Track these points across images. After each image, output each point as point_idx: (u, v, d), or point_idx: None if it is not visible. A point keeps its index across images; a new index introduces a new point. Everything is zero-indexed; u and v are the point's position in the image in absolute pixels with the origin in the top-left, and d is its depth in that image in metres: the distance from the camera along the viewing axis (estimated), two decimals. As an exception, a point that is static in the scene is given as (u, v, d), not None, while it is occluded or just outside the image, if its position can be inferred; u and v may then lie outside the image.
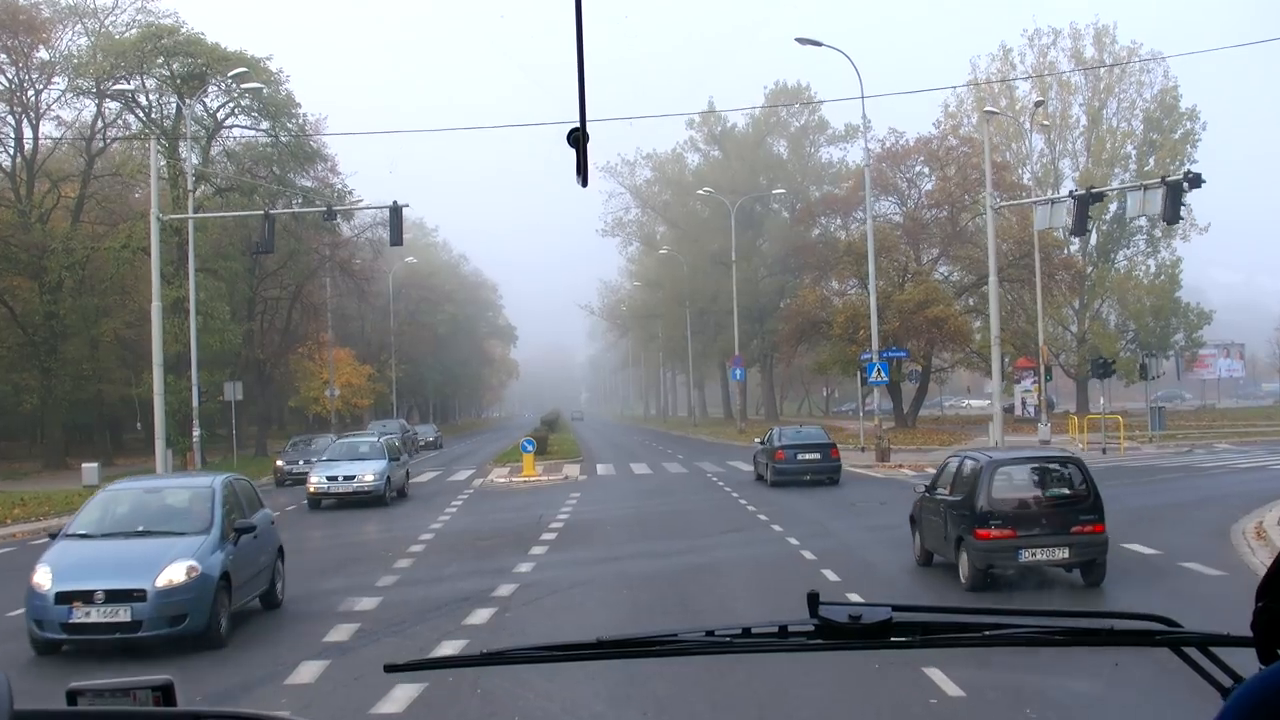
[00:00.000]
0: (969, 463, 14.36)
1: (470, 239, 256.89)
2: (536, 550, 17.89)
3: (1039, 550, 13.05)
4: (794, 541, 18.08)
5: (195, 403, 38.08)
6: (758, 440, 34.44)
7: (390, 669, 2.34)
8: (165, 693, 2.06)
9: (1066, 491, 13.56)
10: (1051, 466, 14.35)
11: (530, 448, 35.55)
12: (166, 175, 43.03)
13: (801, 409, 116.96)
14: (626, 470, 38.33)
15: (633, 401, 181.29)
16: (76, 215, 47.90)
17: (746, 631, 2.16)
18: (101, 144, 48.51)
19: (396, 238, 34.91)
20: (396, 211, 34.38)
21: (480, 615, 12.36)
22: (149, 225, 41.97)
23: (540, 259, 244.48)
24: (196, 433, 38.02)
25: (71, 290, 49.17)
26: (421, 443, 60.35)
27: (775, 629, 2.13)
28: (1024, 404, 68.37)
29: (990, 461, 13.93)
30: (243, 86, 42.39)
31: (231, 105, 46.73)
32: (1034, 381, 69.88)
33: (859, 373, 51.45)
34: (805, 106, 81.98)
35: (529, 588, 14.45)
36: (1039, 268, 50.02)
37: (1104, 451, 40.04)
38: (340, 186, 49.48)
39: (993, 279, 37.30)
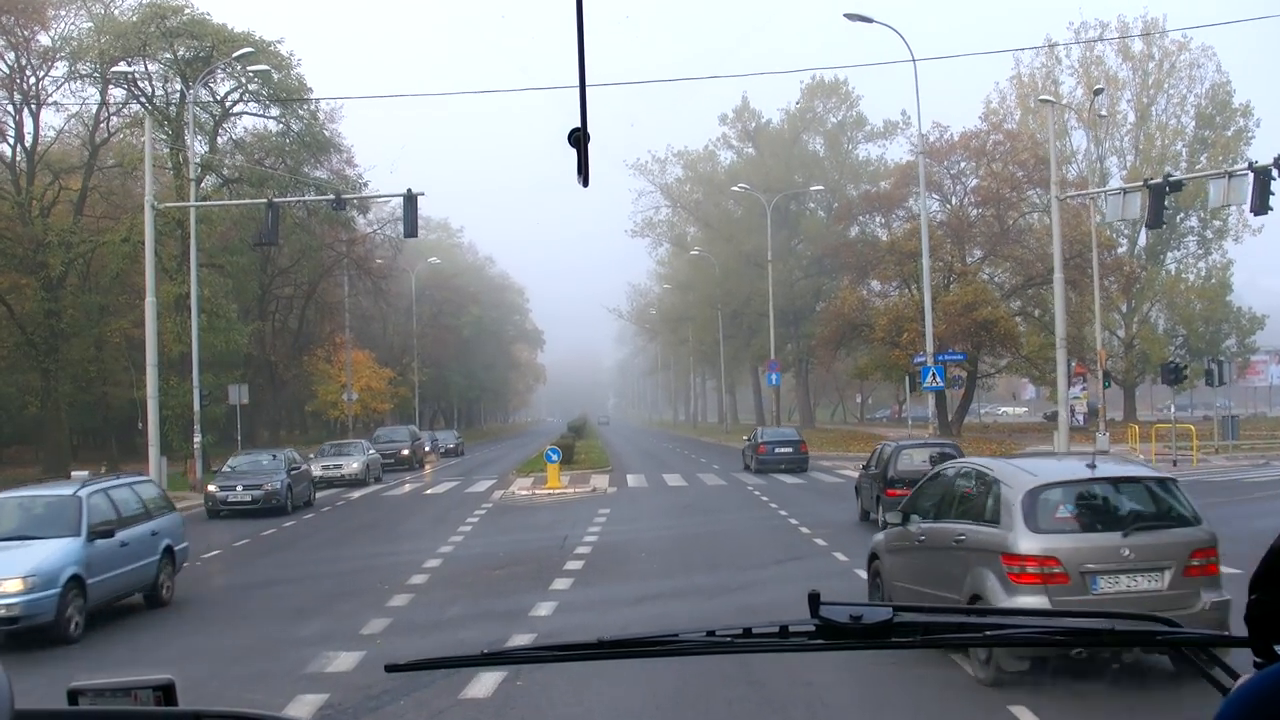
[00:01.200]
0: (886, 447, 22.73)
1: (495, 243, 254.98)
2: (559, 585, 15.06)
3: None
4: (862, 574, 15.15)
5: (197, 406, 35.49)
6: (745, 438, 45.46)
7: (391, 669, 2.33)
8: (166, 692, 2.06)
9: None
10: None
11: (555, 458, 32.69)
12: (169, 164, 40.58)
13: (835, 415, 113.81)
14: (659, 481, 35.48)
15: (661, 407, 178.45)
16: (79, 208, 45.44)
17: (747, 631, 2.13)
18: (106, 134, 46.08)
19: (411, 228, 32.29)
20: (411, 200, 31.72)
21: (484, 683, 9.50)
22: (160, 217, 39.59)
23: (567, 262, 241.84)
24: (198, 438, 35.47)
25: (75, 288, 46.83)
26: (441, 450, 57.24)
27: (776, 629, 2.11)
28: (1073, 411, 65.10)
29: (896, 445, 22.38)
30: (250, 69, 39.76)
31: (240, 91, 44.06)
32: (1083, 388, 66.91)
33: (905, 378, 48.59)
34: (842, 102, 79.08)
35: (549, 639, 11.64)
36: (1096, 266, 47.00)
37: (1174, 464, 36.91)
38: (357, 179, 46.82)
39: (1058, 275, 34.39)
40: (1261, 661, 1.58)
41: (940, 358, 36.58)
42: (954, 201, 61.94)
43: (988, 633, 2.19)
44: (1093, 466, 10.29)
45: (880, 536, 12.88)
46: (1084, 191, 43.62)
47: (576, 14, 3.15)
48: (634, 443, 79.03)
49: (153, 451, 31.62)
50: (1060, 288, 34.18)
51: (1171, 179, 31.48)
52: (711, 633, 2.15)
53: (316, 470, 34.68)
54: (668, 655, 2.18)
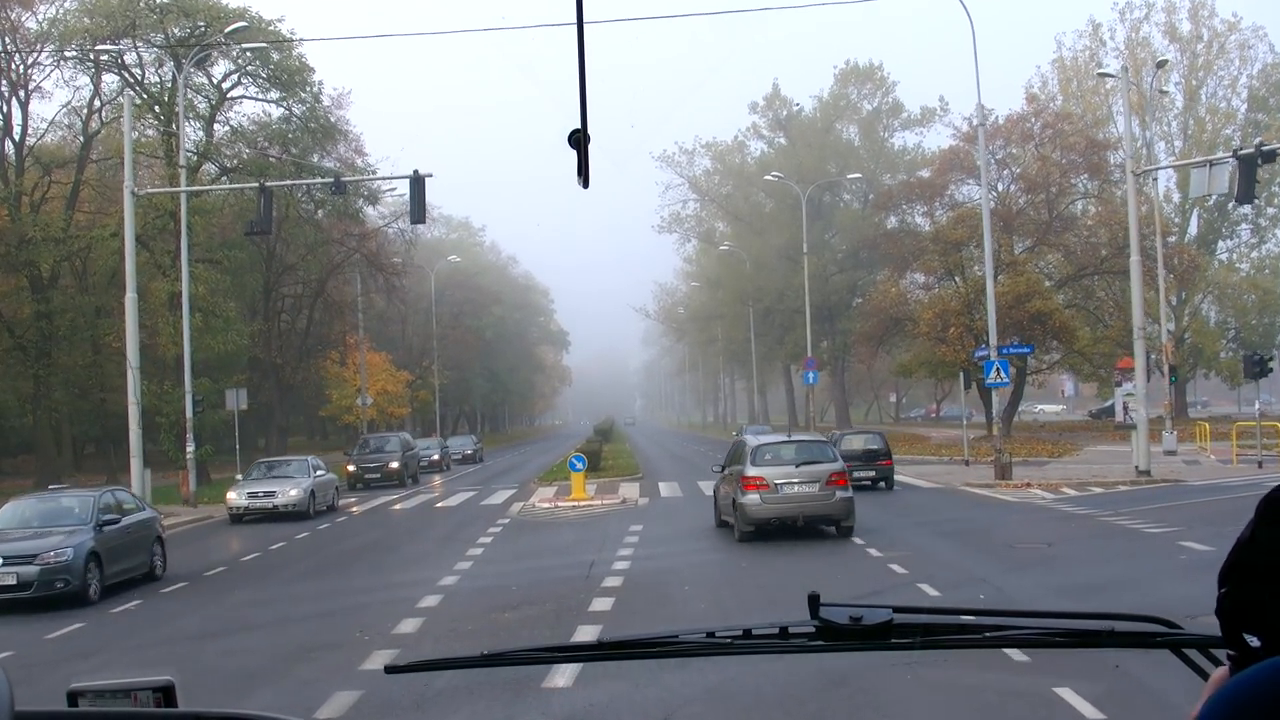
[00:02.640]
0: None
1: (516, 240, 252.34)
2: (585, 632, 11.89)
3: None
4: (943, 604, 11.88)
5: (189, 412, 32.52)
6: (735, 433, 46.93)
7: (391, 670, 2.33)
8: (166, 693, 2.07)
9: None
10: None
11: (579, 466, 29.38)
12: (161, 153, 37.67)
13: (869, 415, 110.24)
14: (694, 491, 32.17)
15: (689, 408, 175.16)
16: (71, 203, 42.61)
17: (747, 633, 2.14)
18: (99, 124, 43.21)
19: (419, 213, 29.33)
20: (418, 181, 28.73)
21: None
22: (142, 209, 36.71)
23: (592, 262, 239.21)
24: (191, 448, 32.49)
25: (70, 289, 44.10)
26: (456, 456, 53.89)
27: (776, 630, 2.11)
28: (1125, 409, 61.42)
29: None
30: (246, 46, 36.70)
31: (237, 74, 40.97)
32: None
33: (961, 374, 45.26)
34: (877, 88, 75.62)
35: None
36: (1160, 251, 43.64)
37: (1260, 465, 33.43)
38: (366, 169, 43.70)
39: (1135, 258, 30.96)
40: (1234, 654, 1.58)
41: (1004, 350, 33.11)
42: (1000, 188, 58.52)
43: (988, 634, 2.15)
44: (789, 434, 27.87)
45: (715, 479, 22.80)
46: (1165, 164, 40.01)
47: (576, 14, 3.16)
48: (663, 446, 75.74)
49: (135, 463, 28.67)
50: (1137, 271, 30.77)
51: (1265, 148, 28.06)
52: (711, 634, 2.13)
53: (240, 499, 28.48)
54: (668, 656, 2.20)
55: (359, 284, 53.03)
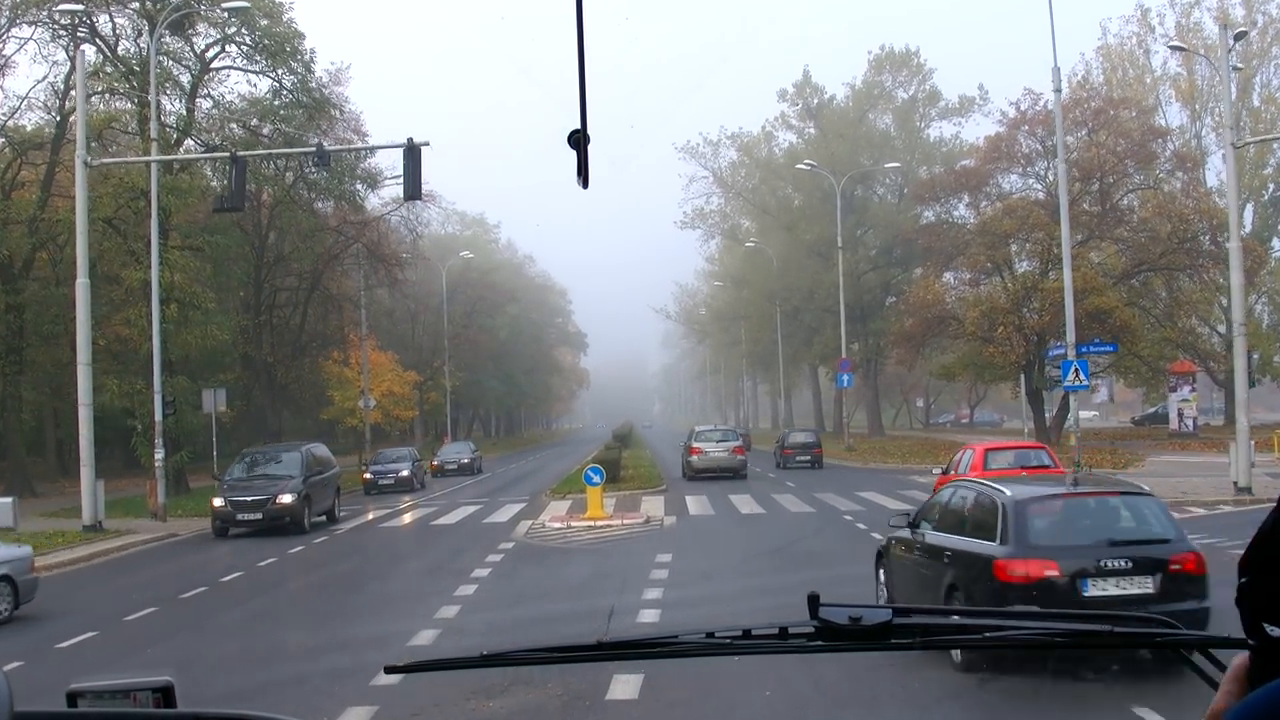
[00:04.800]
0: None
1: (533, 244, 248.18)
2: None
3: None
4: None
5: (158, 415, 28.90)
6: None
7: (390, 670, 2.30)
8: (165, 694, 2.07)
9: None
10: None
11: (597, 479, 25.43)
12: (135, 127, 34.03)
13: (897, 420, 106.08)
14: (727, 506, 28.30)
15: (710, 413, 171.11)
16: (46, 186, 38.96)
17: (747, 633, 2.12)
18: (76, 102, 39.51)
19: (414, 188, 25.66)
20: (413, 151, 25.07)
21: None
22: (113, 189, 33.12)
23: (609, 262, 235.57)
24: (159, 454, 28.85)
25: (47, 280, 40.51)
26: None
27: (775, 630, 2.10)
28: (1181, 416, 57.31)
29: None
30: (227, 5, 32.90)
31: (221, 42, 37.09)
32: (1193, 389, 59.31)
33: (1022, 376, 41.41)
34: (914, 75, 71.51)
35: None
36: (1236, 241, 39.58)
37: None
38: (367, 152, 39.90)
39: (1234, 245, 27.03)
40: (1255, 643, 1.58)
41: (1084, 349, 29.02)
42: (1050, 177, 54.54)
43: (986, 634, 2.14)
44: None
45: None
46: (1266, 136, 36.06)
47: (576, 14, 3.15)
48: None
49: (85, 473, 25.10)
50: (1238, 258, 26.81)
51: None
52: (711, 634, 2.12)
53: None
54: (667, 656, 2.19)
55: (362, 280, 49.35)
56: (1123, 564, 9.84)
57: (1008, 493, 10.56)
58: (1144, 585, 9.80)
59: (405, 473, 39.87)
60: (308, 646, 12.37)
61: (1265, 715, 1.37)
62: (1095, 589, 9.77)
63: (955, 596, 10.49)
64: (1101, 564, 9.89)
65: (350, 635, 13.00)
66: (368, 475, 39.99)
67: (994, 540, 10.14)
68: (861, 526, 22.46)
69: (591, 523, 24.14)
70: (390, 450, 44.37)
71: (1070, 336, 27.06)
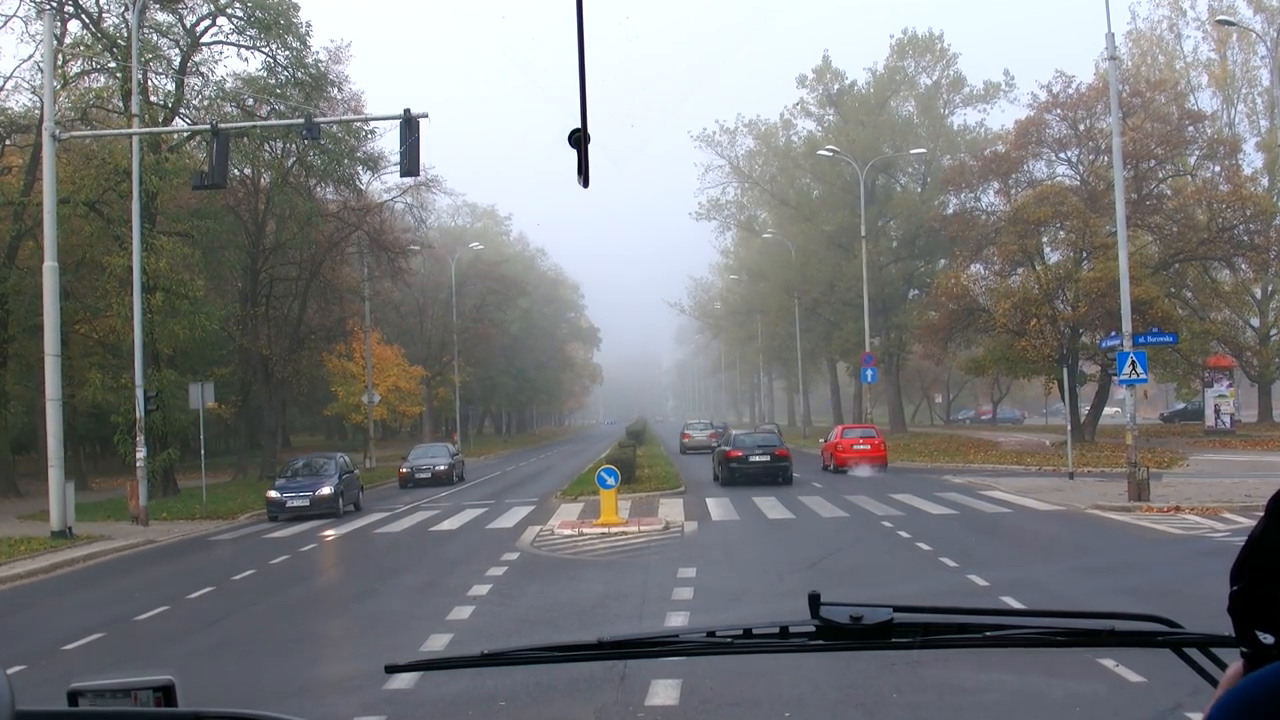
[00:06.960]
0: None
1: (543, 238, 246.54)
2: None
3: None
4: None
5: (140, 411, 26.81)
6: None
7: (390, 669, 2.32)
8: (166, 693, 2.03)
9: None
10: None
11: (611, 481, 23.31)
12: (119, 105, 32.00)
13: (917, 416, 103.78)
14: (752, 510, 26.13)
15: (724, 409, 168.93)
16: (31, 168, 37.00)
17: (747, 632, 2.12)
18: (62, 80, 37.56)
19: (412, 163, 23.59)
20: (410, 123, 23.03)
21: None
22: (95, 169, 31.11)
23: (624, 260, 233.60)
24: (140, 453, 26.76)
25: (33, 269, 38.54)
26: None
27: (776, 629, 2.10)
28: (1217, 412, 54.94)
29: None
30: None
31: (211, 14, 34.95)
32: (1229, 385, 56.91)
33: (1065, 370, 39.17)
34: (937, 60, 69.13)
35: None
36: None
37: None
38: (364, 131, 37.79)
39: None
40: (1247, 651, 1.58)
41: (1141, 339, 26.72)
42: (1086, 163, 52.21)
43: (988, 633, 2.13)
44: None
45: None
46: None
47: (576, 14, 3.15)
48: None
49: (53, 474, 22.99)
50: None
51: None
52: (712, 633, 2.12)
53: None
54: (667, 655, 2.16)
55: (365, 270, 47.26)
56: (760, 452, 34.28)
57: (735, 431, 40.40)
58: (764, 458, 34.07)
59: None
60: (275, 690, 10.19)
61: (1249, 707, 1.36)
62: (751, 460, 34.11)
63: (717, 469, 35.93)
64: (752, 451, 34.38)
65: (319, 676, 10.87)
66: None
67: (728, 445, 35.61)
68: (904, 534, 20.29)
69: (605, 529, 22.01)
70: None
71: (1126, 327, 24.74)
